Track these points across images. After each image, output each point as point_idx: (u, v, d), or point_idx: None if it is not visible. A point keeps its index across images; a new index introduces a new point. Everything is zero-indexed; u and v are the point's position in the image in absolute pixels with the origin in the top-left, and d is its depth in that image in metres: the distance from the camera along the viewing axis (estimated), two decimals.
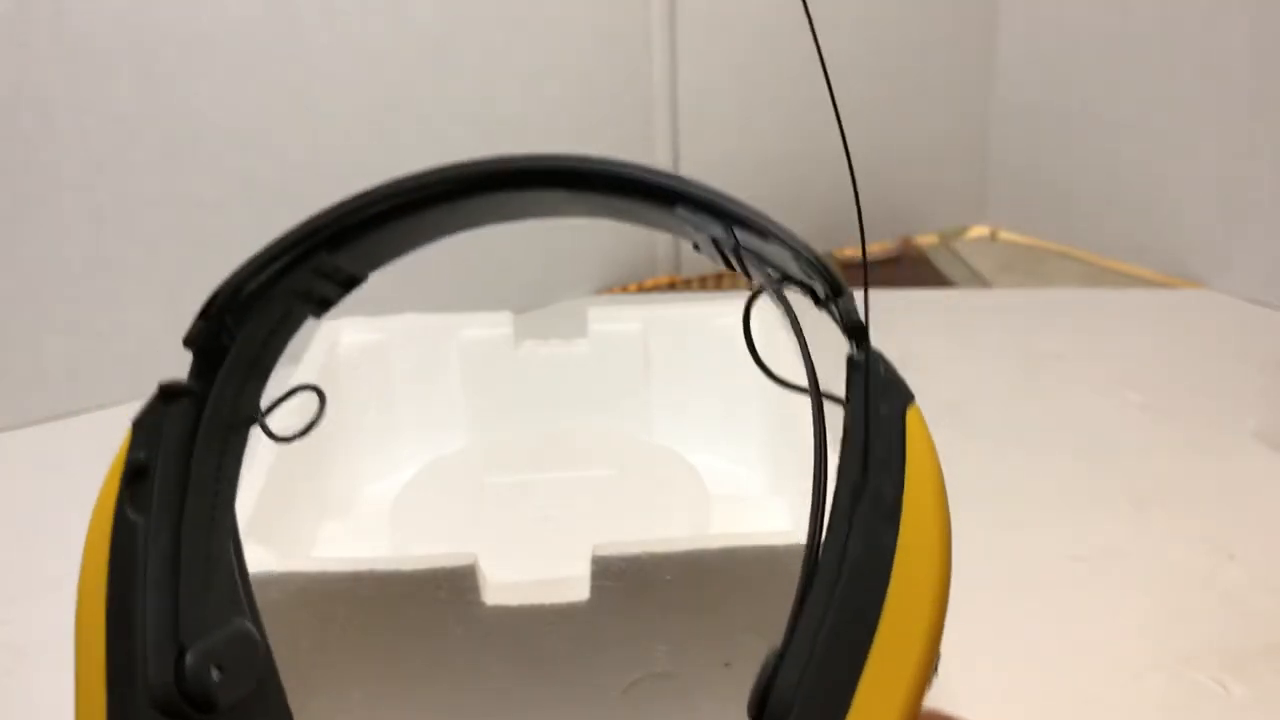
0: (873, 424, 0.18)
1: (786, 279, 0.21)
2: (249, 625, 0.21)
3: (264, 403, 0.24)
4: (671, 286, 0.76)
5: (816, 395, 0.19)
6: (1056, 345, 0.63)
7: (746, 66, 0.73)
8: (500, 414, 0.46)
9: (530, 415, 0.46)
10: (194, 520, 0.21)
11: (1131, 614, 0.39)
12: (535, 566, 0.30)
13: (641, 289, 0.75)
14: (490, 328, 0.46)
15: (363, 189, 0.22)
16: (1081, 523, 0.45)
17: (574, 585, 0.29)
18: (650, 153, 0.72)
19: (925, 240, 0.84)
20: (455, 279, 0.69)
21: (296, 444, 0.36)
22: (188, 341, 0.22)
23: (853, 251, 0.82)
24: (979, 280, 0.77)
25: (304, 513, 0.37)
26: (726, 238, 0.21)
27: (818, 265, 0.20)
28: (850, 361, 0.19)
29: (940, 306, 0.71)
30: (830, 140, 0.79)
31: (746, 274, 0.22)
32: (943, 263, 0.80)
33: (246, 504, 0.31)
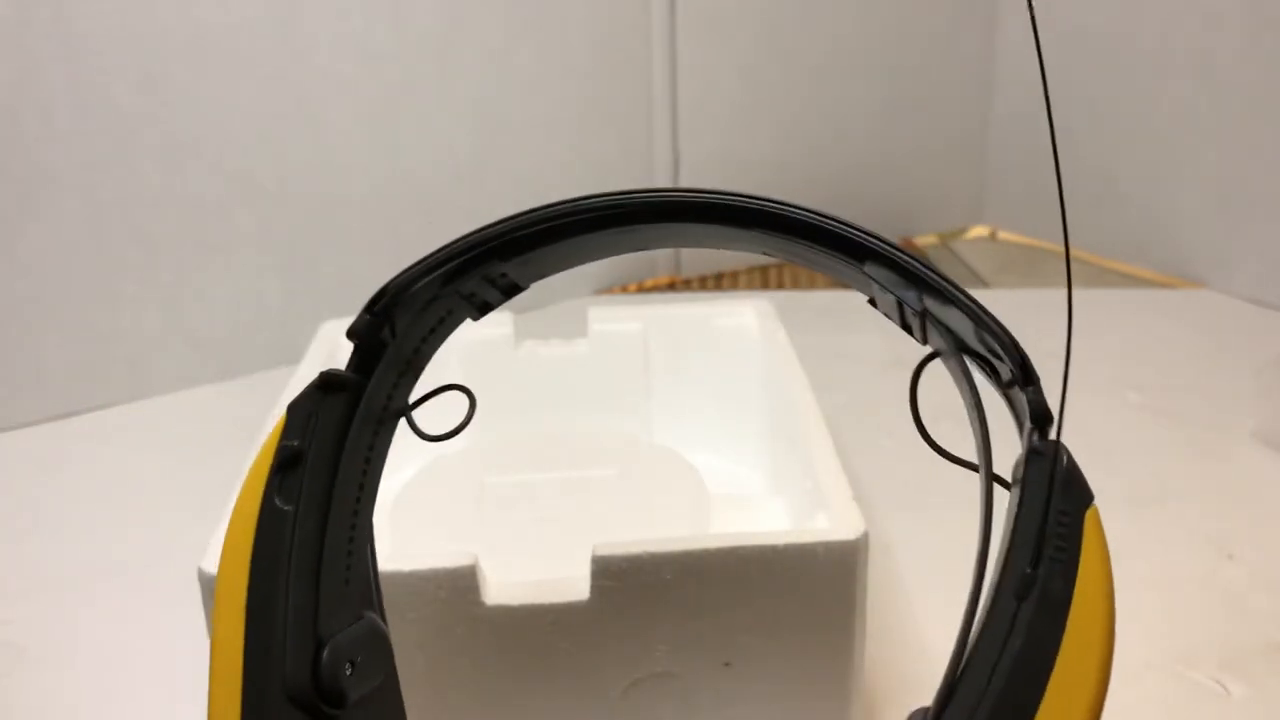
0: (1051, 518, 0.18)
1: (968, 350, 0.21)
2: (379, 621, 0.22)
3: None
4: (671, 286, 0.76)
5: (988, 477, 0.18)
6: (1056, 345, 0.63)
7: (746, 67, 0.73)
8: (500, 414, 0.46)
9: (530, 415, 0.46)
10: (339, 513, 0.21)
11: (1131, 614, 0.39)
12: (535, 566, 0.30)
13: (641, 289, 0.75)
14: (491, 328, 0.46)
15: (545, 204, 0.22)
16: None
17: (574, 585, 0.29)
18: (650, 153, 0.72)
19: (925, 240, 0.84)
20: None
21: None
22: (351, 334, 0.22)
23: None
24: (978, 280, 0.77)
25: None
26: (915, 302, 0.21)
27: (1008, 345, 0.20)
28: (1032, 450, 0.19)
29: None
30: (830, 140, 0.79)
31: (925, 340, 0.22)
32: (942, 263, 0.80)
33: None
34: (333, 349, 0.44)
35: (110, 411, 0.58)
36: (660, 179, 0.73)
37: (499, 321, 0.46)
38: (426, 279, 0.22)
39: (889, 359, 0.62)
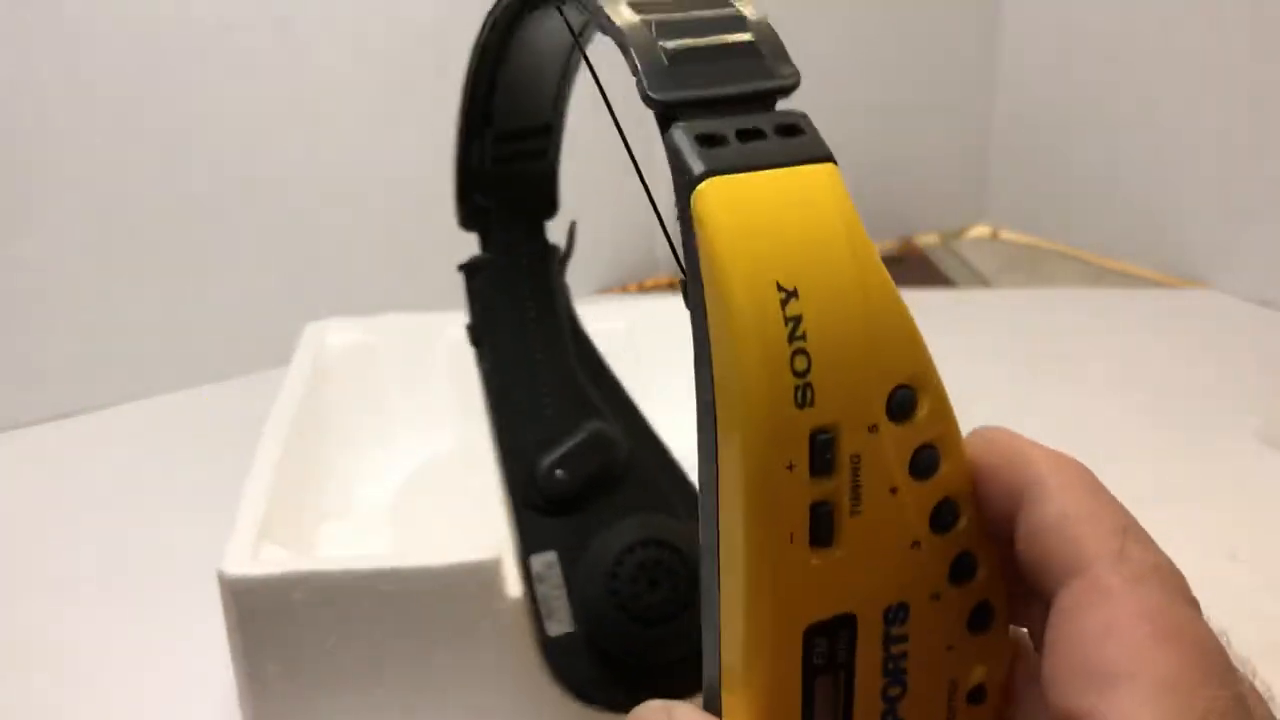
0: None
1: None
2: (596, 424, 0.28)
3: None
4: (671, 287, 0.76)
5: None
6: (1058, 345, 0.63)
7: None
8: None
9: None
10: (543, 350, 0.28)
11: None
12: None
13: (642, 289, 0.75)
14: None
15: None
16: None
17: None
18: (650, 153, 0.72)
19: (926, 240, 0.84)
20: (455, 280, 0.69)
21: (294, 447, 0.36)
22: (462, 223, 0.29)
23: None
24: (980, 280, 0.76)
25: (305, 515, 0.37)
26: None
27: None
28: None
29: (941, 306, 0.70)
30: (832, 140, 0.79)
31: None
32: (944, 263, 0.80)
33: (257, 506, 0.31)
34: (320, 350, 0.44)
35: (110, 411, 0.57)
36: (660, 178, 0.73)
37: None
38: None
39: None
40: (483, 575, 0.29)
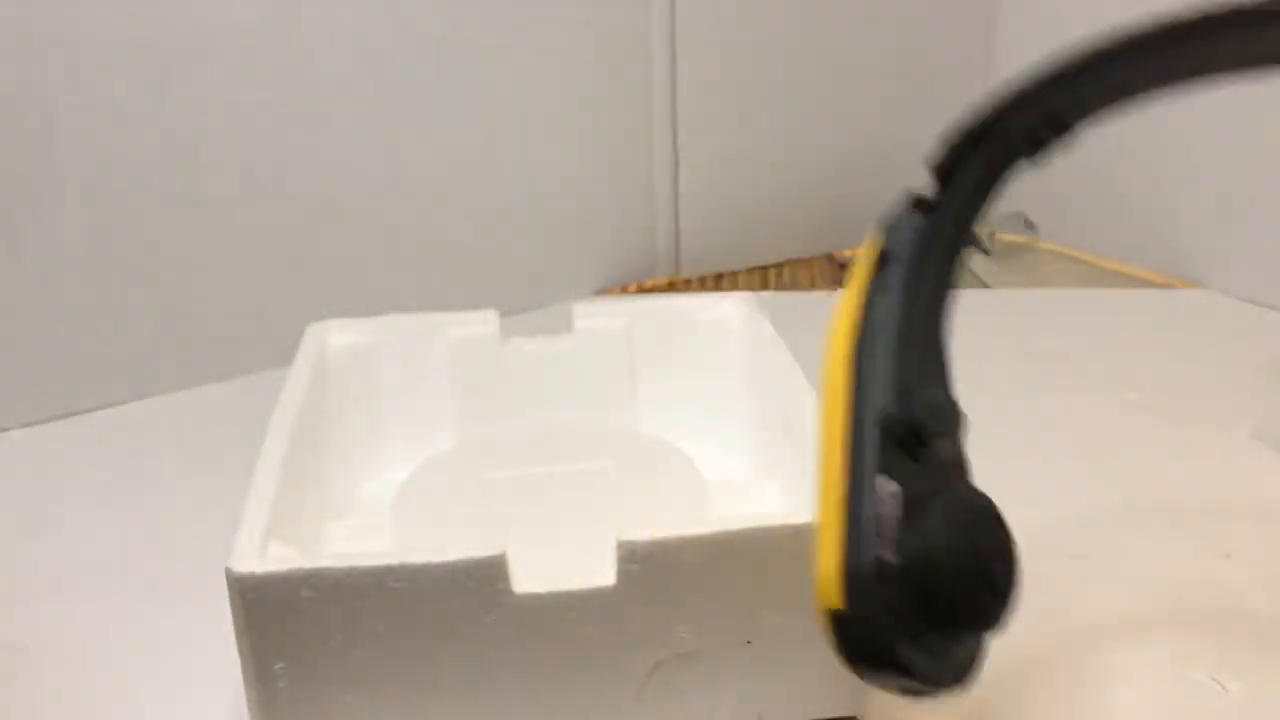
0: None
1: None
2: (950, 397, 0.26)
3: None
4: (671, 286, 0.76)
5: None
6: (1054, 345, 0.64)
7: (746, 67, 0.73)
8: (489, 412, 0.47)
9: (518, 412, 0.47)
10: (923, 305, 0.26)
11: (1129, 613, 0.39)
12: (551, 556, 0.30)
13: (641, 289, 0.76)
14: (476, 326, 0.47)
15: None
16: (1080, 522, 0.45)
17: (600, 570, 0.30)
18: (650, 153, 0.73)
19: None
20: (454, 280, 0.69)
21: (297, 446, 0.36)
22: (929, 165, 0.28)
23: (852, 253, 0.82)
24: (977, 280, 0.77)
25: (309, 514, 0.38)
26: None
27: None
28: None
29: None
30: (830, 140, 0.79)
31: None
32: None
33: (263, 505, 0.32)
34: (321, 350, 0.44)
35: (110, 411, 0.58)
36: (660, 179, 0.73)
37: (484, 320, 0.47)
38: (993, 116, 0.28)
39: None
40: (488, 570, 0.29)
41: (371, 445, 0.46)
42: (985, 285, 0.76)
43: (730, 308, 0.48)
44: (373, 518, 0.41)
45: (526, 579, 0.29)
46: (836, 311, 0.26)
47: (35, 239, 0.55)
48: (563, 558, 0.30)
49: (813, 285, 0.75)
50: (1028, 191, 0.82)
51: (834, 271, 0.78)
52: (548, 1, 0.66)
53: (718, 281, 0.77)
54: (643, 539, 0.29)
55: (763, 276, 0.77)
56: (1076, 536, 0.44)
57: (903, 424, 0.24)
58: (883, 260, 0.27)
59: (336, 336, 0.45)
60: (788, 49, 0.73)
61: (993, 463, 0.51)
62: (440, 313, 0.47)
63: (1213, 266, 0.71)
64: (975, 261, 0.80)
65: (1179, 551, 0.42)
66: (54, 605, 0.41)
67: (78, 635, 0.40)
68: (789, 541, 0.29)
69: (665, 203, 0.74)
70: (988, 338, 0.64)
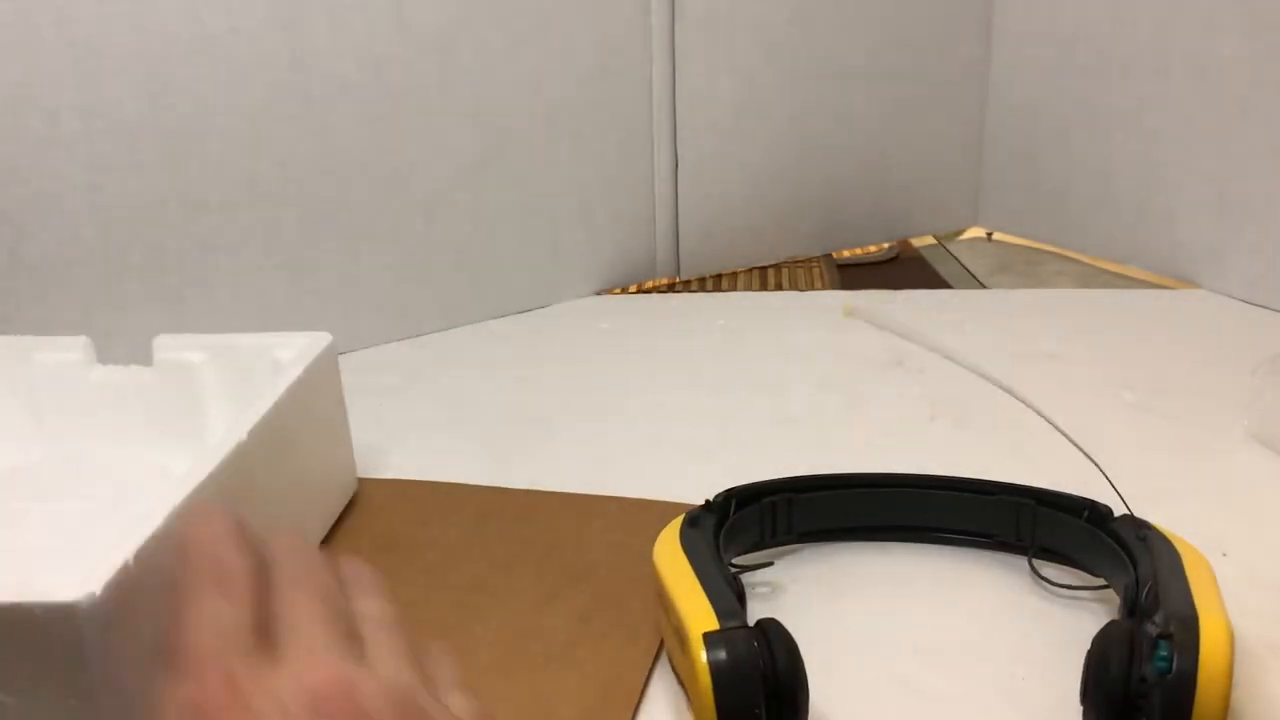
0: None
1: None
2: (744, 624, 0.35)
3: None
4: (671, 287, 0.76)
5: None
6: (1052, 345, 0.64)
7: (745, 70, 0.74)
8: (68, 436, 0.48)
9: (95, 438, 0.48)
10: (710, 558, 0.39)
11: None
12: None
13: (641, 289, 0.76)
14: (62, 352, 0.48)
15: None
16: None
17: None
18: (650, 153, 0.73)
19: (922, 242, 0.85)
20: (455, 280, 0.69)
21: None
22: (706, 504, 0.42)
23: (850, 253, 0.82)
24: (975, 281, 0.77)
25: None
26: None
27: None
28: None
29: (937, 307, 0.71)
30: (828, 142, 0.79)
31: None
32: (939, 264, 0.81)
33: None
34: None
35: None
36: (660, 180, 0.74)
37: (69, 346, 0.48)
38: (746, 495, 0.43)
39: (888, 359, 0.62)
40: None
41: None
42: (982, 285, 0.76)
43: (303, 346, 0.45)
44: None
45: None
46: (661, 538, 0.40)
47: (39, 240, 0.55)
48: None
49: (811, 285, 0.76)
50: (1024, 193, 0.83)
51: (833, 272, 0.78)
52: (548, 3, 0.66)
53: (717, 282, 0.77)
54: None
55: (762, 276, 0.78)
56: None
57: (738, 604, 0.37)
58: (690, 521, 0.41)
59: None
60: (787, 52, 0.74)
61: (990, 462, 0.51)
62: (26, 336, 0.49)
63: (1208, 267, 0.71)
64: (974, 262, 0.81)
65: None
66: None
67: None
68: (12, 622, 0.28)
69: (665, 203, 0.75)
70: (984, 338, 0.64)
